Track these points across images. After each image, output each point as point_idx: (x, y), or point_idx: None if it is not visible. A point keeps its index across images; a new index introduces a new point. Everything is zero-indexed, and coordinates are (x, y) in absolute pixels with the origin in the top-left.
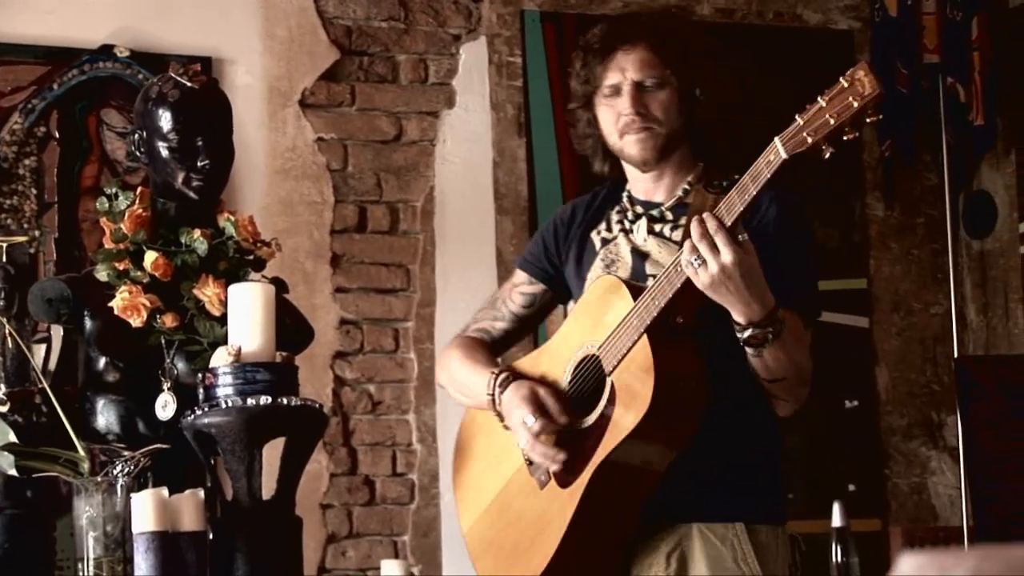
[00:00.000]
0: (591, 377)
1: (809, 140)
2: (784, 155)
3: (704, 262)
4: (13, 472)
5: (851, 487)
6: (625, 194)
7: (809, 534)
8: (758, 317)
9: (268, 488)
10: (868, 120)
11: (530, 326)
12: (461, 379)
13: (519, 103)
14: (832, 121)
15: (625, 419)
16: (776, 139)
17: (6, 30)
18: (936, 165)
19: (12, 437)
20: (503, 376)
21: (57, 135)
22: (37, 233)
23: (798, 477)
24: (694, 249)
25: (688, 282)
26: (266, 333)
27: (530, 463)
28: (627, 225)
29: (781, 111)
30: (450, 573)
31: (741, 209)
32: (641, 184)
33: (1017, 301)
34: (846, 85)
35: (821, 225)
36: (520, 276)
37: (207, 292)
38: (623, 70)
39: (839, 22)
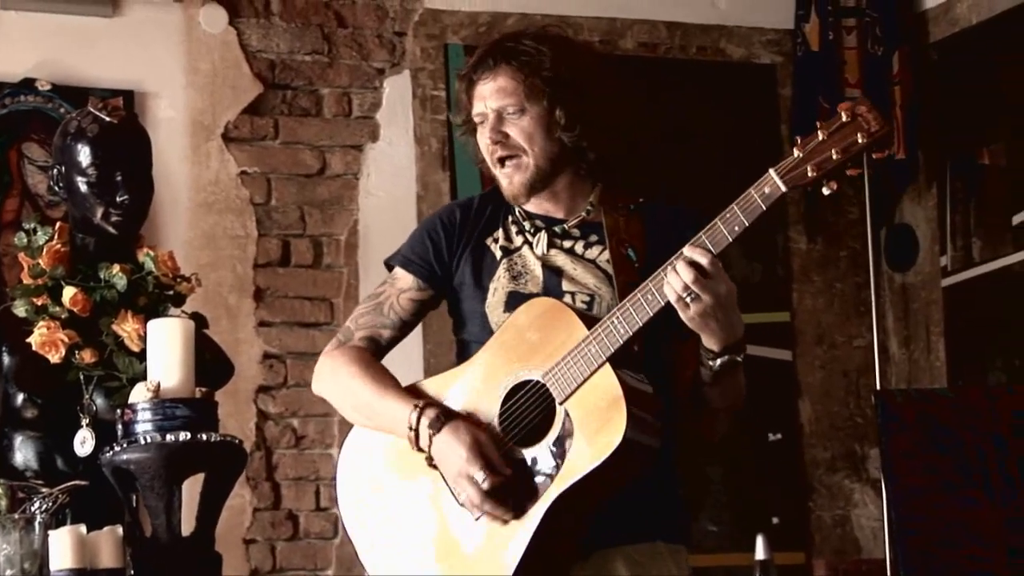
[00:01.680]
0: (533, 405)
1: (811, 174)
2: (783, 188)
3: (697, 296)
4: None
5: (775, 520)
6: (517, 206)
7: (733, 567)
8: (733, 342)
9: (188, 524)
10: (874, 156)
11: (408, 332)
12: (363, 399)
13: (443, 137)
14: (835, 156)
15: (589, 451)
16: (771, 171)
17: None
18: (858, 198)
19: None
20: (432, 415)
21: None
22: None
23: (722, 509)
24: (686, 287)
25: (658, 312)
26: (185, 369)
27: (460, 499)
28: (528, 237)
29: (704, 143)
30: None
31: (729, 241)
32: (535, 202)
33: (939, 334)
34: (847, 119)
35: (744, 258)
36: (407, 280)
37: (126, 328)
38: (484, 99)
39: (762, 56)
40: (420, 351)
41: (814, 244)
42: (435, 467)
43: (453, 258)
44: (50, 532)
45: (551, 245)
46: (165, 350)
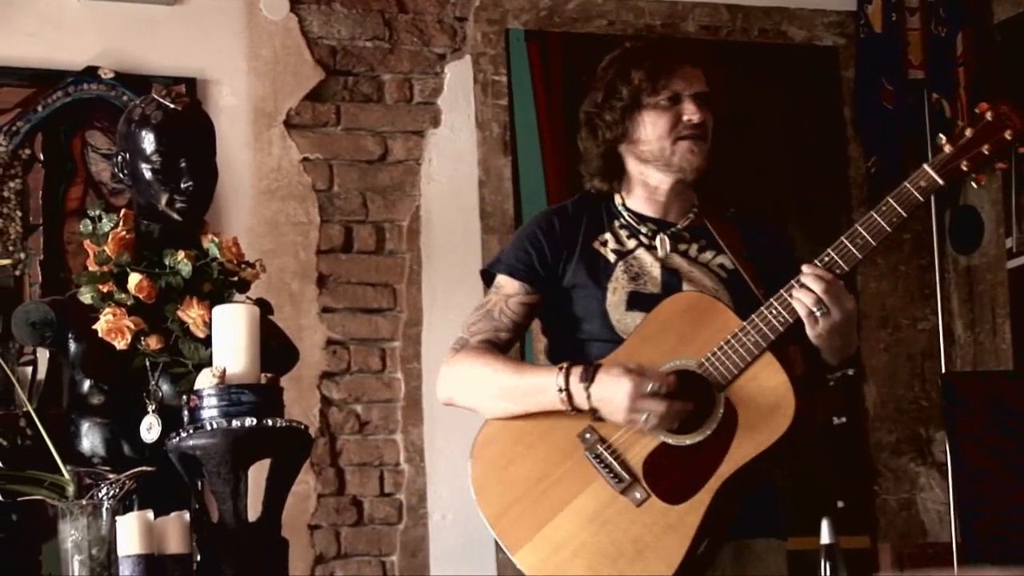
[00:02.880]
0: (687, 393)
1: (965, 167)
2: (940, 181)
3: (828, 311)
4: None
5: (840, 504)
6: (623, 210)
7: (798, 551)
8: (848, 358)
9: (254, 510)
10: (1020, 150)
11: (521, 337)
12: (506, 384)
13: (504, 122)
14: (987, 151)
15: (756, 436)
16: (926, 166)
17: None
18: None
19: None
20: (580, 370)
21: (42, 157)
22: (22, 256)
23: (787, 494)
24: (819, 300)
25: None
26: (251, 354)
27: (615, 480)
28: (643, 240)
29: (766, 126)
30: None
31: (860, 257)
32: (652, 202)
33: (1004, 316)
34: (990, 118)
35: (808, 242)
36: (514, 286)
37: (191, 314)
38: (689, 81)
39: (824, 38)
40: None
41: None
42: (600, 419)
43: (558, 262)
44: (117, 518)
45: (674, 249)
46: (230, 336)
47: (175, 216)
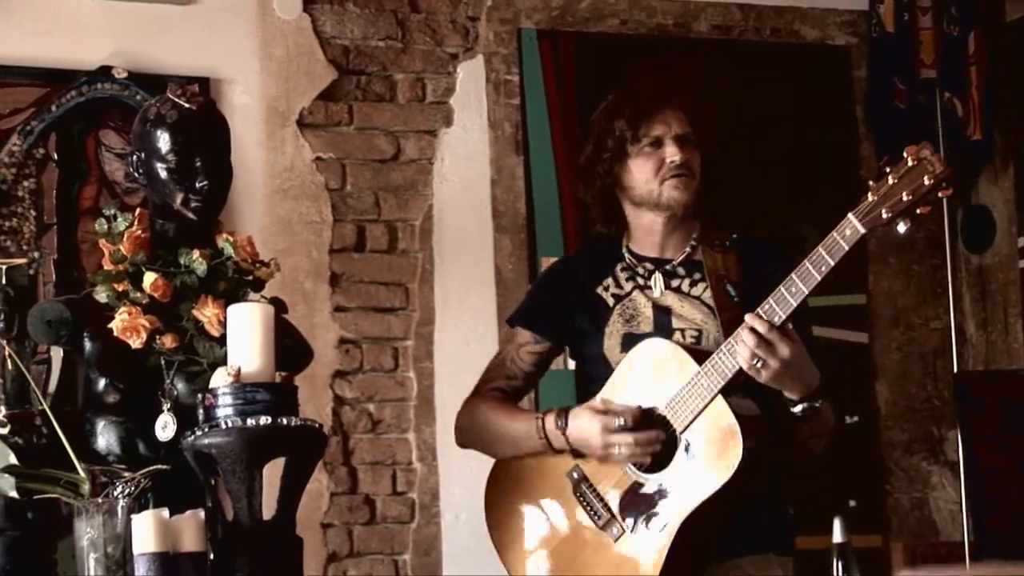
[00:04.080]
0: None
1: (885, 216)
2: (862, 230)
3: (765, 362)
4: (14, 494)
5: (852, 503)
6: (626, 252)
7: (810, 550)
8: (811, 391)
9: (269, 508)
10: (940, 195)
11: (535, 382)
12: (497, 429)
13: (516, 121)
14: (906, 198)
15: (710, 475)
16: (851, 215)
17: (4, 52)
18: None
19: (13, 459)
20: (553, 416)
21: (56, 157)
22: (36, 255)
23: (798, 493)
24: (753, 354)
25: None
26: (265, 353)
27: (595, 518)
28: (640, 281)
29: (778, 125)
30: None
31: (795, 305)
32: (651, 240)
33: (1017, 315)
34: (913, 164)
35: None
36: (524, 335)
37: (206, 313)
38: (669, 124)
39: (836, 38)
40: None
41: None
42: (581, 455)
43: (568, 310)
44: (133, 516)
45: (667, 286)
46: (245, 335)
47: (190, 215)
